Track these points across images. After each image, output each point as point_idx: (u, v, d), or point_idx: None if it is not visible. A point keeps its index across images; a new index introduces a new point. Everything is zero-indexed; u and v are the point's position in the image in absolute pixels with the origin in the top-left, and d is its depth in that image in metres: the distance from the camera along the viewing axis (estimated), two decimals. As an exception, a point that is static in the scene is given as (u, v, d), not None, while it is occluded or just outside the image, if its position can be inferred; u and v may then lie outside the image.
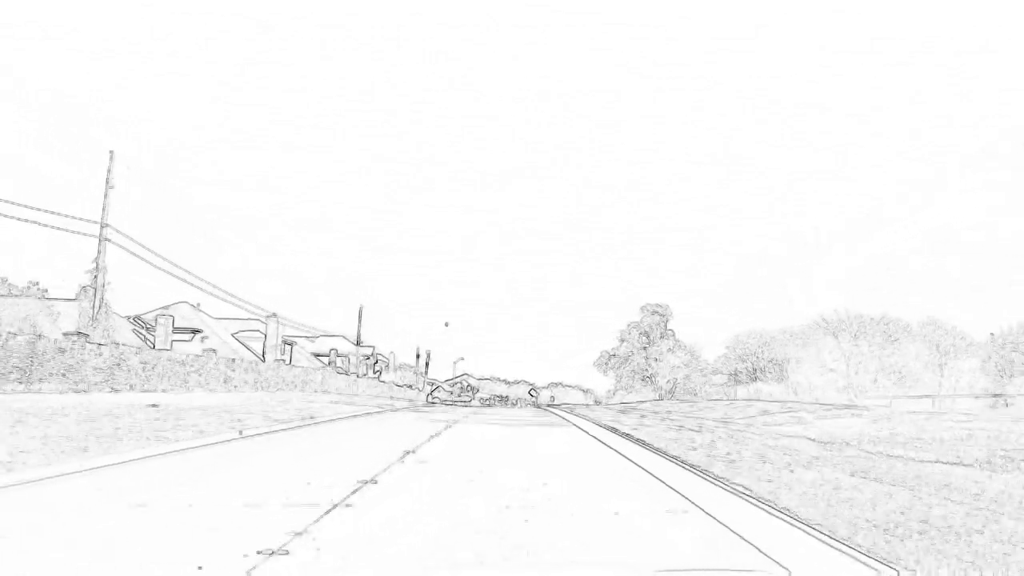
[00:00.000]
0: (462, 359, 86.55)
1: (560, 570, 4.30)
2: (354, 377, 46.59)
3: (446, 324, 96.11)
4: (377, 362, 70.43)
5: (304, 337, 67.26)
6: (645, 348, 70.03)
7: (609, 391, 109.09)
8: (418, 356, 78.95)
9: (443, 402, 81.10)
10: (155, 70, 74.92)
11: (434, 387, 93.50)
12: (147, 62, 75.43)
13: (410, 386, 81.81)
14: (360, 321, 52.11)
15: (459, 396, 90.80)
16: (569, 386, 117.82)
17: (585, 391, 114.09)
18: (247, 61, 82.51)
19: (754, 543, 4.92)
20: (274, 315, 39.54)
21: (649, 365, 68.16)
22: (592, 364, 78.57)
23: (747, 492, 7.16)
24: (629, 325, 73.34)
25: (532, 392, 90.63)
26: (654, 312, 71.48)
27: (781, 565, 4.38)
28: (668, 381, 65.96)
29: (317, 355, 61.90)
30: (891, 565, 4.46)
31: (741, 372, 54.11)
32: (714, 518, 5.77)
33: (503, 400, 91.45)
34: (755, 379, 51.74)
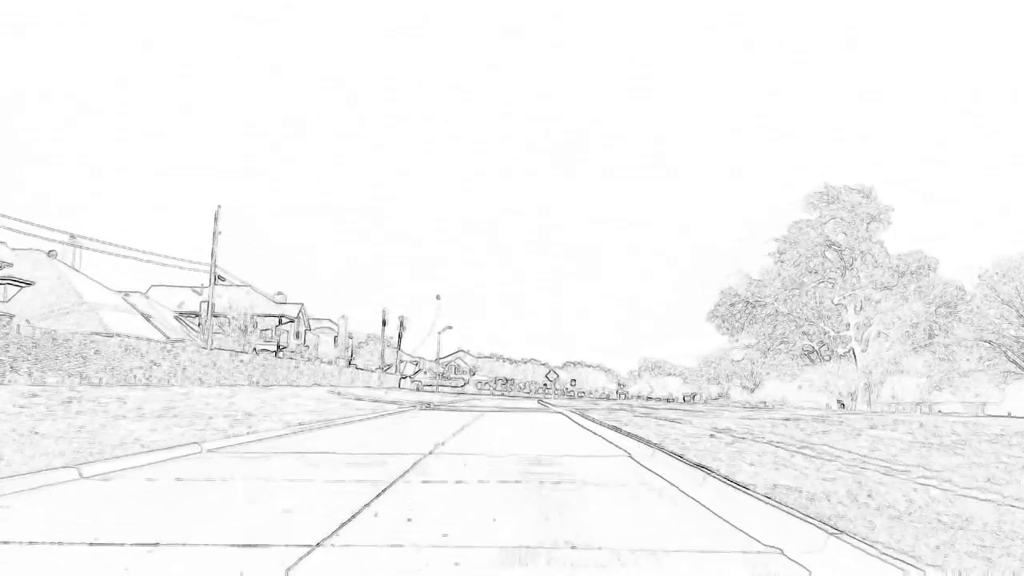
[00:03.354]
0: (449, 327, 61.46)
1: None
2: (162, 347, 21.62)
3: (437, 297, 77.49)
4: (310, 329, 45.43)
5: (187, 288, 42.21)
6: (834, 279, 34.38)
7: (632, 372, 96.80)
8: (384, 322, 53.77)
9: (423, 387, 57.12)
10: None
11: (417, 368, 69.23)
12: None
13: (386, 366, 56.35)
14: (216, 233, 27.14)
15: (447, 379, 66.66)
16: (589, 366, 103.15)
17: (607, 371, 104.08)
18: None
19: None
20: None
21: (830, 317, 34.69)
22: (705, 317, 49.43)
23: None
24: (793, 226, 37.85)
25: (550, 375, 65.83)
26: (834, 201, 32.58)
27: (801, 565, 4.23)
28: (880, 359, 31.69)
29: (185, 315, 37.23)
30: (915, 565, 4.18)
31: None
32: None
33: (507, 384, 67.37)
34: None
